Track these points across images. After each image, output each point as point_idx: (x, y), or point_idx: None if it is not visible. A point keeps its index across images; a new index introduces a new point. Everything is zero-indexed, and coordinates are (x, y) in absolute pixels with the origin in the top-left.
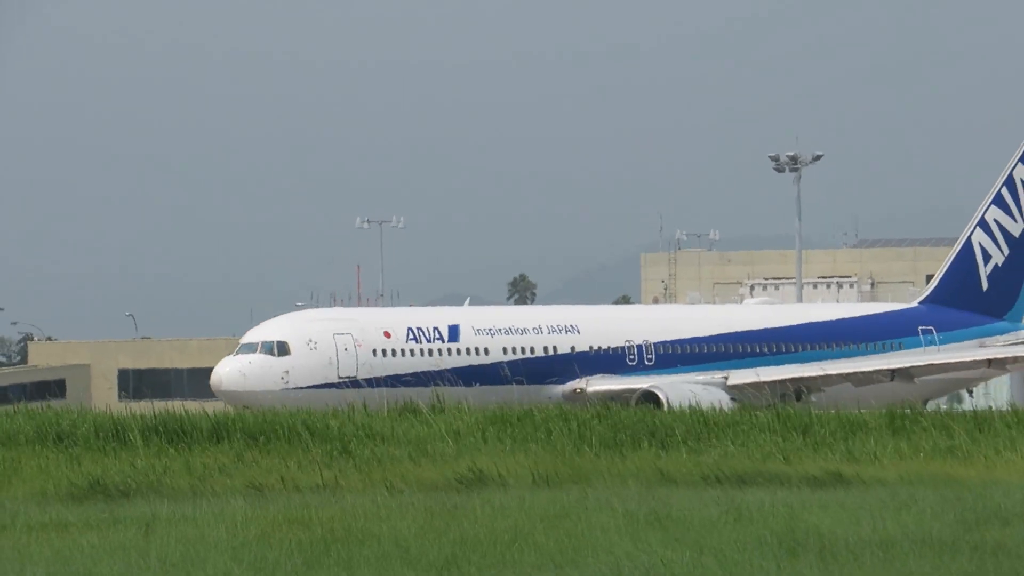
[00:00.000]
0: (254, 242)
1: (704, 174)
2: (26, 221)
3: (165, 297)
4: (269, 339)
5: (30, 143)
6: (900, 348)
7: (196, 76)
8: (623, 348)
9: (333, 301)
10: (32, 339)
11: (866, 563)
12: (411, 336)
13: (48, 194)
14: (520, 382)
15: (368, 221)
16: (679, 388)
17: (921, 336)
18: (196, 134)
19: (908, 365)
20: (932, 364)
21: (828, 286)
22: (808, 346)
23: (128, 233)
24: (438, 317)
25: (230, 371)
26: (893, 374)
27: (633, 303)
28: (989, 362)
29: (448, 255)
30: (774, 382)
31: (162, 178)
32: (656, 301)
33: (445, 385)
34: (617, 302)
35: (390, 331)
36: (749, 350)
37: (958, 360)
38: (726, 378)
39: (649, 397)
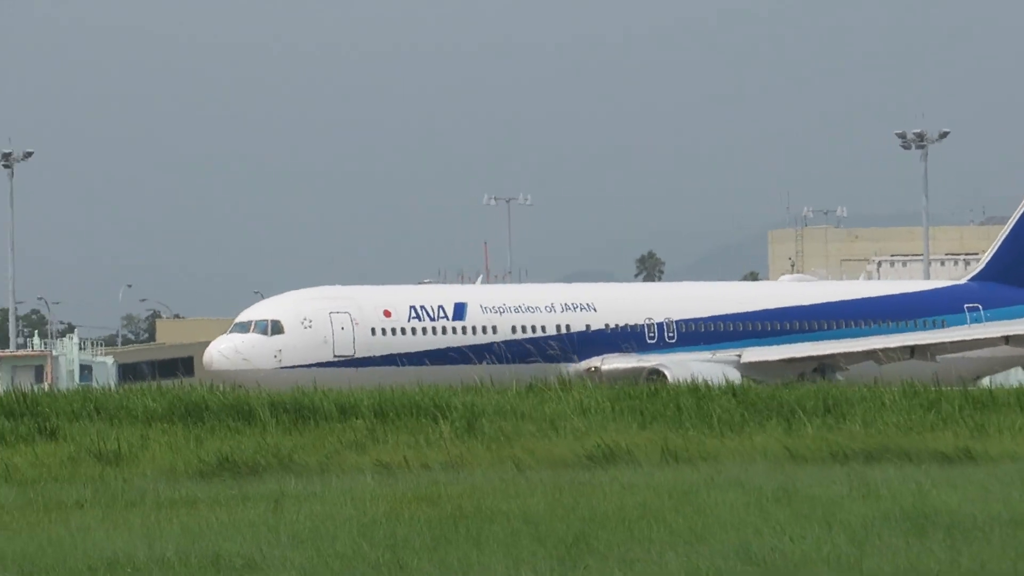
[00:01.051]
0: (383, 221)
1: (832, 151)
2: (154, 205)
3: (290, 277)
4: (263, 318)
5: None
6: (943, 326)
7: (326, 71)
8: (643, 326)
9: (460, 279)
10: (160, 317)
11: (995, 540)
12: (413, 315)
13: (172, 177)
14: (533, 361)
15: (495, 198)
16: (688, 366)
17: (967, 313)
18: (327, 123)
19: (925, 342)
20: (945, 342)
21: (955, 263)
22: (840, 324)
23: (251, 215)
24: (444, 295)
25: (222, 350)
26: (912, 351)
27: (761, 280)
28: (1007, 339)
29: (576, 232)
30: (792, 360)
31: (288, 165)
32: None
33: (450, 364)
34: (745, 279)
35: (391, 310)
36: (776, 328)
37: (973, 337)
38: (739, 356)
39: (656, 375)
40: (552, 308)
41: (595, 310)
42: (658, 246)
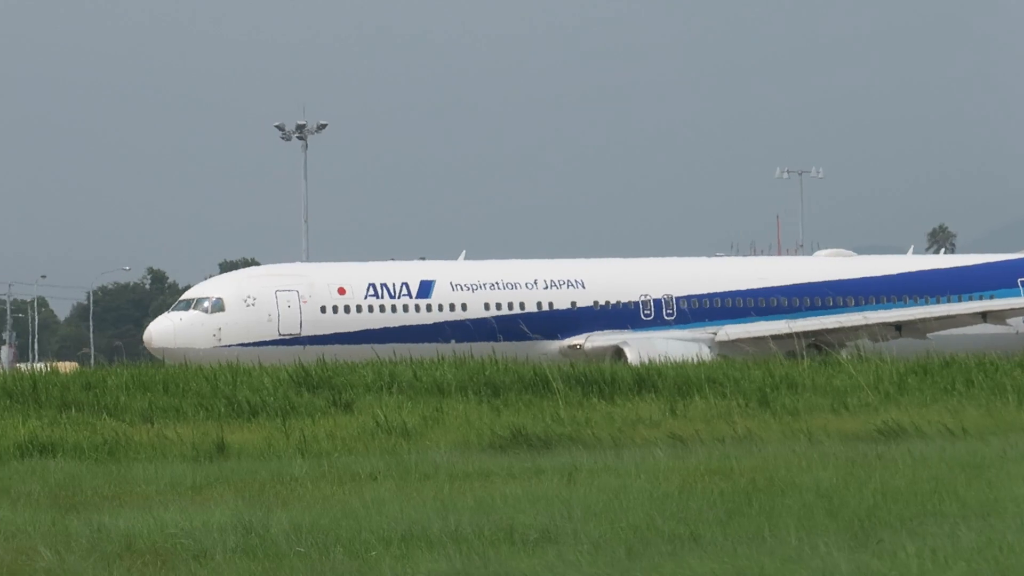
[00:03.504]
0: (678, 195)
1: None
2: (444, 180)
3: (586, 252)
4: (206, 295)
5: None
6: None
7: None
8: (637, 303)
9: (752, 251)
10: None
11: None
12: (372, 292)
13: (465, 152)
14: (504, 339)
15: (788, 172)
16: (654, 344)
17: (1021, 287)
18: (615, 96)
19: (906, 319)
20: (926, 318)
21: None
22: (862, 300)
23: (537, 191)
24: (410, 272)
25: (160, 328)
26: (899, 328)
27: None
28: (984, 315)
29: (867, 205)
30: (773, 338)
31: (573, 138)
32: None
33: (409, 343)
34: None
35: (346, 287)
36: (795, 304)
37: (946, 314)
38: (715, 334)
39: (619, 353)
40: (534, 285)
41: (583, 287)
42: (950, 219)
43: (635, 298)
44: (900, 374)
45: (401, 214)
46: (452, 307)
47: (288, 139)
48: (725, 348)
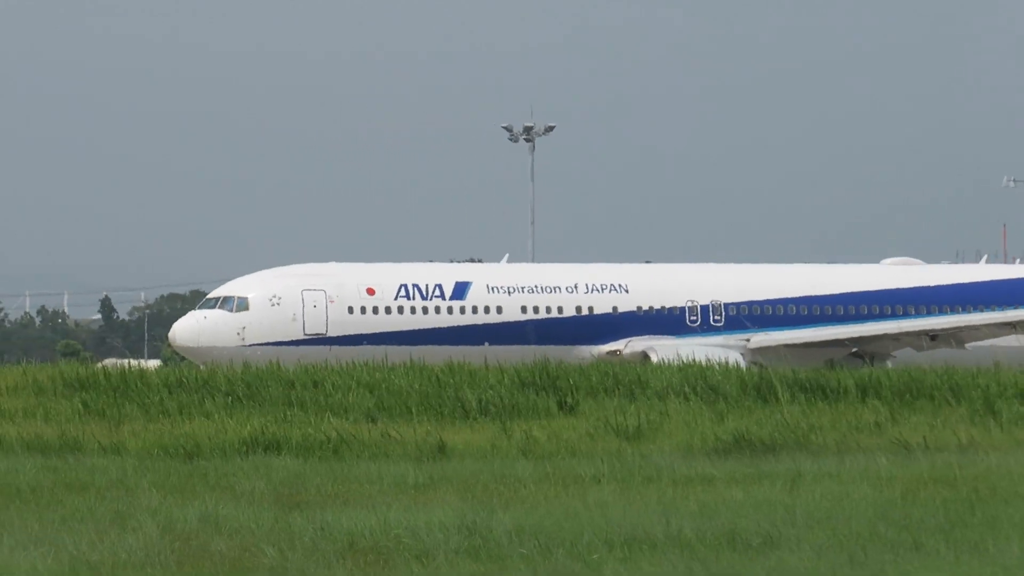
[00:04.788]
0: (902, 200)
1: None
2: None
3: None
4: (231, 294)
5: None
6: None
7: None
8: (682, 309)
9: (977, 259)
10: None
11: None
12: (403, 293)
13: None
14: (539, 343)
15: (1014, 180)
16: (680, 350)
17: None
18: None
19: (936, 328)
20: (958, 327)
21: None
22: (924, 309)
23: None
24: (445, 274)
25: (184, 326)
26: (933, 337)
27: None
28: (1013, 325)
29: None
30: (807, 345)
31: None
32: None
33: (440, 345)
34: None
35: (375, 288)
36: (849, 312)
37: (966, 324)
38: (747, 340)
39: (645, 358)
40: (575, 289)
41: (627, 291)
42: None
43: (681, 303)
44: None
45: (628, 215)
46: (487, 310)
47: (515, 140)
48: (759, 355)
